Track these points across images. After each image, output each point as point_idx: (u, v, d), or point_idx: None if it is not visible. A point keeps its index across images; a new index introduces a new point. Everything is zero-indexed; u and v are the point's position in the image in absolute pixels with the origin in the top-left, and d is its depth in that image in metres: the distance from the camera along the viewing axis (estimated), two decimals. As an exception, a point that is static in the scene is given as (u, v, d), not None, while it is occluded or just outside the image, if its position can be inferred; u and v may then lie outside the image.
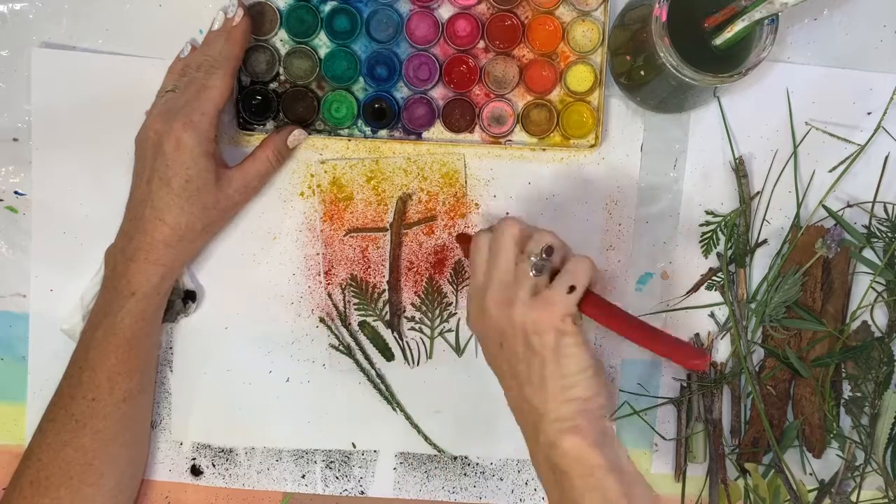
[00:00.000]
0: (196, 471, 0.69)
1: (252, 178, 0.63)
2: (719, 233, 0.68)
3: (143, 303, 0.60)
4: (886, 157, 0.69)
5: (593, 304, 0.55)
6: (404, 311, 0.68)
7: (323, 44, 0.66)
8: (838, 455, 0.69)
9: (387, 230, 0.68)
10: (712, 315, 0.69)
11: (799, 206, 0.68)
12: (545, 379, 0.53)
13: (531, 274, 0.54)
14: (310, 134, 0.66)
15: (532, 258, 0.55)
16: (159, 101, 0.62)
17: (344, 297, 0.68)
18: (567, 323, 0.53)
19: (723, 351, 0.70)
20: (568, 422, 0.52)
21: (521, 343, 0.54)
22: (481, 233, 0.58)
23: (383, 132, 0.67)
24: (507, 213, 0.68)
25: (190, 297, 0.67)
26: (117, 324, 0.60)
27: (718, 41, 0.57)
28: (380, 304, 0.68)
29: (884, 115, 0.68)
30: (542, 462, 0.54)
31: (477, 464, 0.69)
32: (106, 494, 0.61)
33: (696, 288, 0.69)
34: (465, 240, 0.63)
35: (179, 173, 0.59)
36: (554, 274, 0.55)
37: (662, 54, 0.57)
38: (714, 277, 0.69)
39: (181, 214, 0.59)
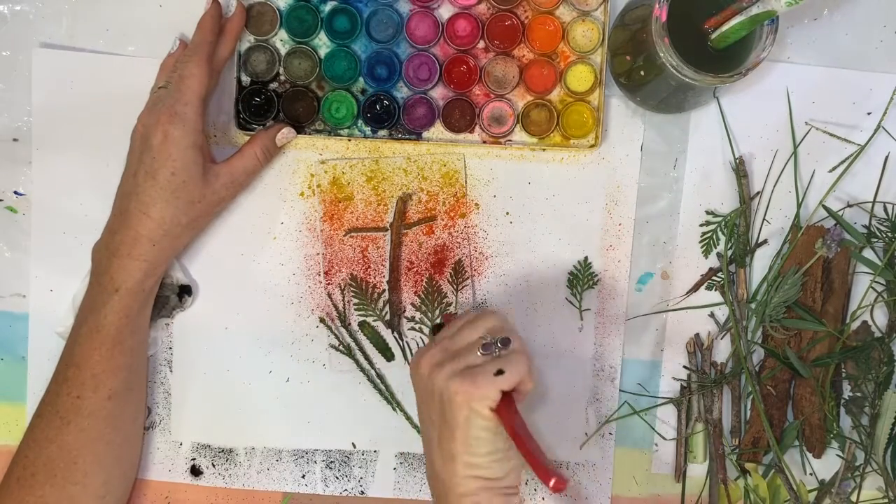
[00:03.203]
0: (196, 471, 0.69)
1: (239, 174, 0.63)
2: (719, 233, 0.68)
3: (127, 299, 0.60)
4: (886, 157, 0.69)
5: (506, 408, 0.53)
6: (404, 311, 0.68)
7: (323, 44, 0.66)
8: (838, 455, 0.68)
9: (387, 230, 0.68)
10: (712, 315, 0.69)
11: (799, 206, 0.68)
12: (454, 453, 0.53)
13: (478, 352, 0.54)
14: (308, 134, 0.66)
15: (487, 339, 0.55)
16: (150, 98, 0.62)
17: (344, 297, 0.68)
18: (482, 406, 0.52)
19: (723, 351, 0.70)
20: (470, 497, 0.52)
21: (436, 410, 0.54)
22: (467, 312, 0.60)
23: (383, 132, 0.67)
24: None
25: (185, 291, 0.67)
26: (101, 320, 0.59)
27: (714, 36, 0.57)
28: (380, 304, 0.68)
29: (884, 115, 0.68)
30: None
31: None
32: (91, 494, 0.60)
33: (696, 288, 0.69)
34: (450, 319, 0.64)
35: (165, 166, 0.59)
36: None
37: (662, 54, 0.57)
38: (714, 277, 0.69)
39: (166, 208, 0.59)
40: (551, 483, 0.50)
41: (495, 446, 0.53)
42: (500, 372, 0.52)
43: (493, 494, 0.53)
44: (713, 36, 0.57)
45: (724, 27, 0.56)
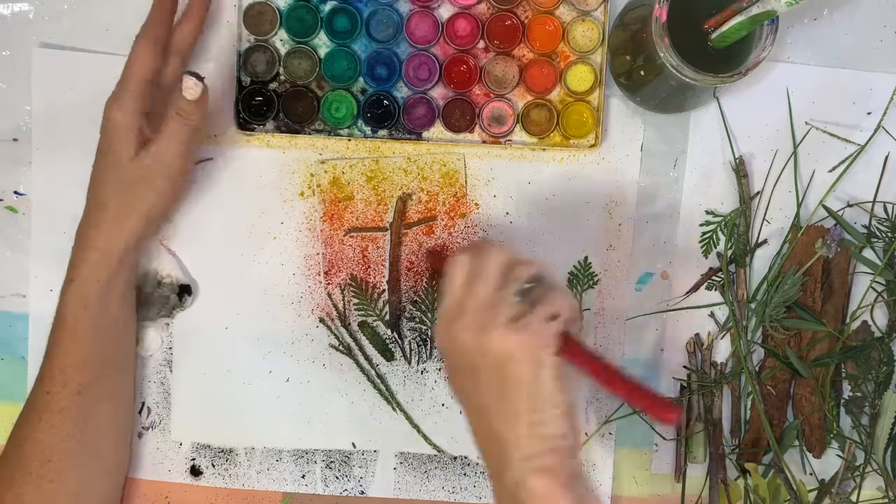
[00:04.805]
0: (196, 471, 0.69)
1: (164, 144, 0.58)
2: (719, 233, 0.68)
3: (83, 288, 0.59)
4: (886, 157, 0.69)
5: (571, 346, 0.51)
6: (404, 310, 0.68)
7: (323, 44, 0.66)
8: (838, 455, 0.68)
9: (387, 230, 0.68)
10: (712, 315, 0.69)
11: (799, 206, 0.68)
12: (517, 412, 0.50)
13: (515, 299, 0.51)
14: (308, 134, 0.66)
15: (517, 284, 0.52)
16: None
17: (344, 297, 0.68)
18: (546, 354, 0.50)
19: (723, 351, 0.70)
20: (537, 460, 0.49)
21: (493, 372, 0.51)
22: (462, 254, 0.55)
23: (383, 132, 0.67)
24: (486, 238, 0.66)
25: (185, 291, 0.67)
26: (60, 311, 0.59)
27: (714, 36, 0.57)
28: (380, 304, 0.68)
29: (884, 115, 0.68)
30: (507, 500, 0.51)
31: (477, 464, 0.69)
32: (67, 491, 0.59)
33: (696, 288, 0.69)
34: (436, 257, 0.61)
35: (104, 149, 0.59)
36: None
37: (662, 54, 0.57)
38: (714, 277, 0.69)
39: (111, 194, 0.59)
40: (667, 416, 0.47)
41: (561, 398, 0.50)
42: (552, 318, 0.51)
43: (559, 456, 0.50)
44: (713, 36, 0.57)
45: (724, 27, 0.56)
